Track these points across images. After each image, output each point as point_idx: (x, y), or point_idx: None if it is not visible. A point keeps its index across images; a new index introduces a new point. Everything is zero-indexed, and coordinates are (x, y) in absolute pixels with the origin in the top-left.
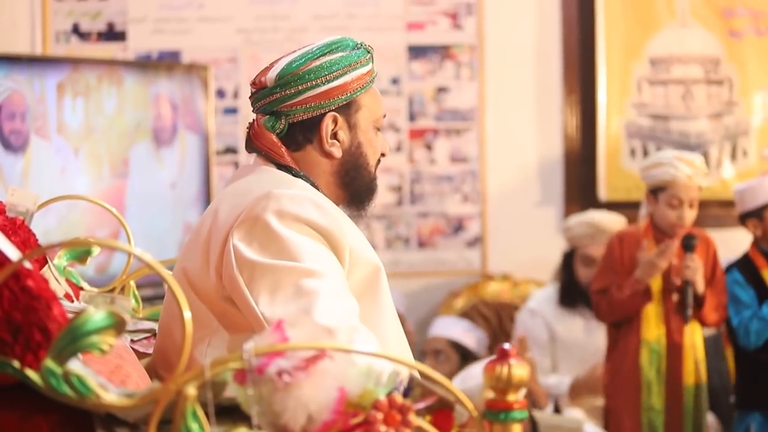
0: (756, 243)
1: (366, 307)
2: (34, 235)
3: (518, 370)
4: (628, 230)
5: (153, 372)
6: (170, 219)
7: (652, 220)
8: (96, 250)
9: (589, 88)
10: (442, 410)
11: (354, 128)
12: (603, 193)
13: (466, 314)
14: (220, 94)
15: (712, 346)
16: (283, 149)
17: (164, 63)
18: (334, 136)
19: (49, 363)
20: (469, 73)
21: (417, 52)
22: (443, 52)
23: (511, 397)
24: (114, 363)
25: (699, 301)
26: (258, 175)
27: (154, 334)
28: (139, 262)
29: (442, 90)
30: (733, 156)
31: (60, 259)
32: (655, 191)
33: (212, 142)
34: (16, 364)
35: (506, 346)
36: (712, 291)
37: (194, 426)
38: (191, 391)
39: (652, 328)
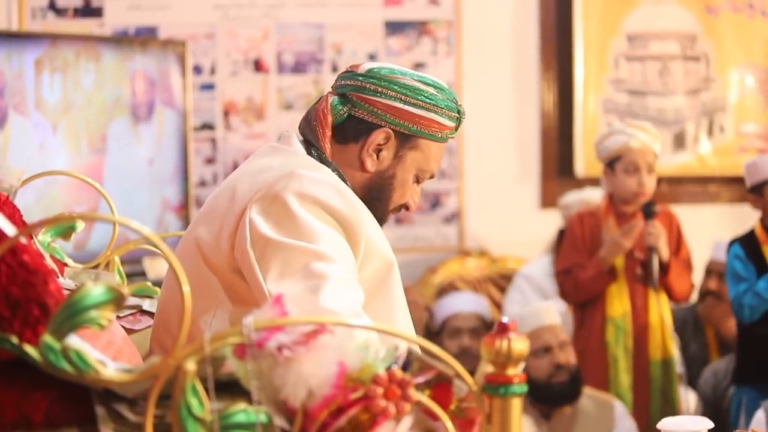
0: (762, 219)
1: (378, 301)
2: (18, 210)
3: (518, 344)
4: (589, 209)
5: (156, 342)
6: (148, 195)
7: (611, 197)
8: (80, 226)
9: (566, 64)
10: (441, 384)
11: (398, 159)
12: (580, 168)
13: (443, 290)
14: (197, 70)
15: (691, 321)
16: (329, 133)
17: (142, 39)
18: (378, 151)
19: (48, 338)
20: (446, 48)
21: (394, 27)
22: (420, 27)
23: (511, 371)
24: (105, 338)
25: (664, 269)
26: (283, 155)
27: (140, 311)
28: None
29: (419, 66)
30: (710, 132)
31: (44, 235)
32: (611, 163)
33: (189, 119)
34: (15, 339)
35: (505, 320)
36: (676, 262)
37: (194, 401)
38: (191, 366)
39: (617, 304)
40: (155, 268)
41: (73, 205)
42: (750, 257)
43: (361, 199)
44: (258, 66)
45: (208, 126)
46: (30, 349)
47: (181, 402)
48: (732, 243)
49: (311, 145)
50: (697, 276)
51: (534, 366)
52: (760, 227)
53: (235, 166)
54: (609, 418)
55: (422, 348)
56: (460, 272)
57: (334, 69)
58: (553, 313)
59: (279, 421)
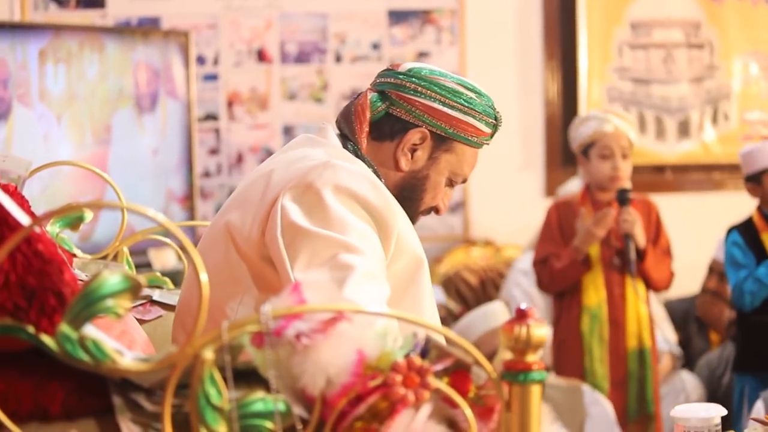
0: (760, 207)
1: (406, 299)
2: (27, 201)
3: (537, 330)
4: (565, 198)
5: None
6: (152, 185)
7: (587, 186)
8: (88, 217)
9: (570, 52)
10: (459, 372)
11: (433, 161)
12: None
13: (449, 280)
14: (200, 60)
15: (693, 313)
16: (366, 129)
17: (145, 29)
18: (413, 151)
19: (65, 328)
20: (450, 37)
21: (398, 16)
22: (424, 16)
23: (530, 358)
24: (119, 328)
25: (640, 256)
26: (319, 146)
27: (150, 301)
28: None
29: (422, 55)
30: (715, 120)
31: (52, 225)
32: (585, 150)
33: (193, 109)
34: (31, 329)
35: (523, 306)
36: (654, 251)
37: (212, 390)
38: (209, 354)
39: (592, 294)
40: (161, 259)
41: (78, 196)
42: (749, 245)
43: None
44: (261, 56)
45: (211, 116)
46: (47, 339)
47: (199, 391)
48: (730, 231)
49: (347, 139)
50: (700, 262)
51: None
52: (758, 215)
53: (239, 157)
54: (579, 405)
55: (441, 335)
56: (465, 261)
57: (338, 59)
58: (500, 313)
59: (297, 410)
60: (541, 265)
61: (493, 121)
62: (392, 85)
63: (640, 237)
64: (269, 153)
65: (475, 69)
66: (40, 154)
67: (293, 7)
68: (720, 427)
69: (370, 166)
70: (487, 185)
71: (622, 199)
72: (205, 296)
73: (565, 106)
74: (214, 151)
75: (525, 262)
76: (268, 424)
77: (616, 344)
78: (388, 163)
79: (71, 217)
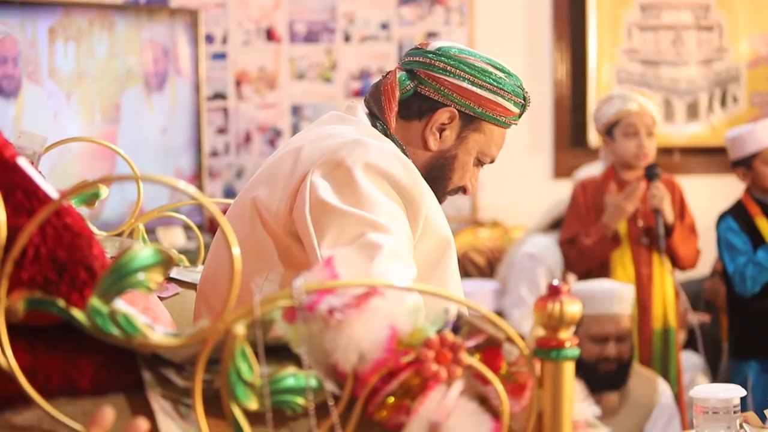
0: (749, 190)
1: (432, 280)
2: (43, 177)
3: (570, 306)
4: (591, 178)
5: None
6: (161, 164)
7: (612, 165)
8: (104, 193)
9: (580, 33)
10: (491, 348)
11: (461, 140)
12: (593, 139)
13: (457, 261)
14: (209, 39)
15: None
16: (395, 108)
17: (155, 7)
18: (441, 130)
19: (95, 302)
20: (459, 18)
21: None
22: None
23: (563, 335)
24: (142, 304)
25: (668, 231)
26: (348, 124)
27: (167, 278)
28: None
29: (431, 35)
30: (723, 102)
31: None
32: (610, 130)
33: (202, 88)
34: (62, 303)
35: (555, 282)
36: (681, 227)
37: (243, 366)
38: (240, 330)
39: (621, 273)
40: (169, 237)
41: (87, 174)
42: (743, 229)
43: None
44: (270, 35)
45: (220, 96)
46: (77, 313)
47: (230, 366)
48: (723, 216)
49: (376, 118)
50: (707, 245)
51: (585, 348)
52: (748, 198)
53: (247, 136)
54: (653, 394)
55: (473, 311)
56: (473, 243)
57: (347, 38)
58: (626, 301)
59: (329, 386)
60: (569, 244)
61: (522, 101)
62: (421, 64)
63: (669, 212)
64: (277, 133)
65: (483, 49)
66: (50, 131)
67: None
68: (739, 408)
69: (398, 145)
70: (495, 166)
71: (651, 174)
72: (237, 270)
73: (574, 87)
74: (222, 131)
75: (531, 245)
76: (300, 400)
77: (643, 323)
78: (416, 143)
79: (87, 193)
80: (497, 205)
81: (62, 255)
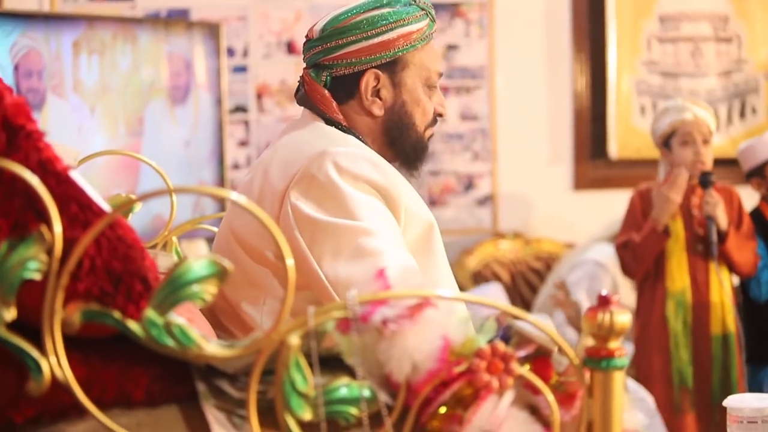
0: (764, 198)
1: (421, 263)
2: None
3: (620, 317)
4: (648, 186)
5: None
6: (184, 178)
7: (669, 174)
8: (137, 207)
9: (599, 45)
10: (540, 358)
11: (398, 86)
12: (613, 150)
13: (479, 273)
14: (230, 52)
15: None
16: (334, 104)
17: (177, 21)
18: (377, 93)
19: (151, 313)
20: (479, 30)
21: None
22: (453, 9)
23: (613, 345)
24: (186, 315)
25: (722, 238)
26: (309, 131)
27: None
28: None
29: (452, 48)
30: (742, 114)
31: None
32: (667, 141)
33: (225, 101)
34: (117, 315)
35: (604, 292)
36: (737, 235)
37: (297, 377)
38: (294, 340)
39: (677, 279)
40: (192, 249)
41: (112, 187)
42: (760, 235)
43: (389, 144)
44: (291, 48)
45: (241, 109)
46: (133, 325)
47: (284, 377)
48: None
49: (327, 121)
50: None
51: None
52: (764, 205)
53: None
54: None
55: (523, 321)
56: (495, 254)
57: None
58: None
59: (382, 396)
60: (623, 248)
61: (422, 12)
62: (318, 54)
63: (722, 219)
64: None
65: (504, 62)
66: (75, 145)
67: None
68: None
69: (357, 137)
70: (516, 178)
71: (705, 181)
72: (291, 281)
73: (594, 99)
74: (243, 143)
75: (598, 252)
76: (353, 410)
77: (700, 330)
78: (364, 119)
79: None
80: (518, 217)
81: (118, 267)
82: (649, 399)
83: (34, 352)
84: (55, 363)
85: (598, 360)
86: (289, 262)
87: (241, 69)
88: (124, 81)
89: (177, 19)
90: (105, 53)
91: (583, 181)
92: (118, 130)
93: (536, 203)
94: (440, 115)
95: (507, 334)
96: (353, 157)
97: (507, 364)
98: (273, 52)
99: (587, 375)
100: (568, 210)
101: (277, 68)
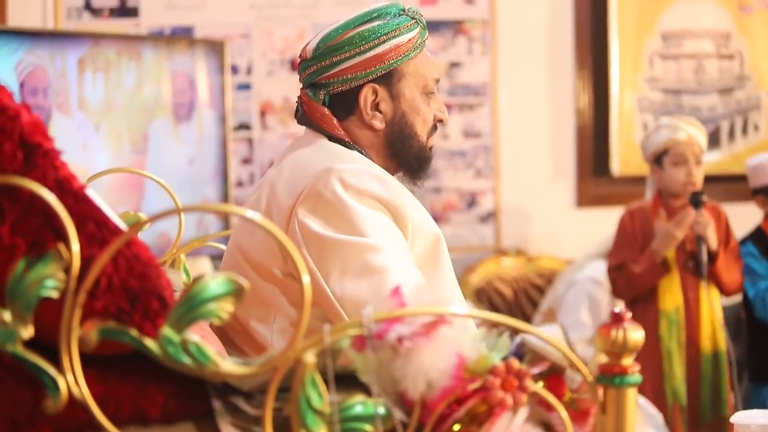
0: None
1: (428, 277)
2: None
3: (634, 333)
4: (638, 205)
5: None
6: (188, 195)
7: (659, 193)
8: (147, 225)
9: (602, 62)
10: (554, 375)
11: (397, 98)
12: (616, 167)
13: (482, 290)
14: (234, 70)
15: (733, 318)
16: (335, 121)
17: (182, 38)
18: (376, 107)
19: (167, 331)
20: (482, 48)
21: (429, 27)
22: (456, 27)
23: (626, 361)
24: (199, 333)
25: (712, 258)
26: (314, 148)
27: None
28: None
29: (454, 65)
30: (745, 130)
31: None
32: (658, 158)
33: (229, 119)
34: (134, 333)
35: (617, 309)
36: (725, 254)
37: (313, 394)
38: (310, 358)
39: (669, 298)
40: (196, 267)
41: (117, 205)
42: (763, 254)
43: (393, 156)
44: (294, 66)
45: (244, 126)
46: (150, 343)
47: (300, 395)
48: (743, 242)
49: (330, 138)
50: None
51: None
52: None
53: (272, 166)
54: None
55: (537, 338)
56: (497, 272)
57: None
58: None
59: (397, 413)
60: (616, 271)
61: (413, 22)
62: (314, 74)
63: (713, 239)
64: None
65: (506, 79)
66: (79, 162)
67: (325, 17)
68: None
69: (360, 152)
70: (518, 195)
71: (696, 202)
72: (308, 300)
73: (596, 116)
74: (246, 161)
75: (594, 270)
76: (368, 428)
77: (691, 348)
78: (366, 134)
79: (130, 224)
80: (520, 234)
81: (135, 285)
82: (658, 416)
83: (51, 370)
84: (72, 381)
85: (611, 377)
86: (305, 279)
87: (244, 87)
88: (129, 98)
89: (181, 36)
90: (110, 71)
91: (586, 198)
92: (123, 147)
93: (538, 220)
94: (441, 121)
95: (520, 351)
96: (359, 174)
97: (521, 381)
98: (276, 69)
99: (600, 392)
100: (570, 227)
101: (281, 86)
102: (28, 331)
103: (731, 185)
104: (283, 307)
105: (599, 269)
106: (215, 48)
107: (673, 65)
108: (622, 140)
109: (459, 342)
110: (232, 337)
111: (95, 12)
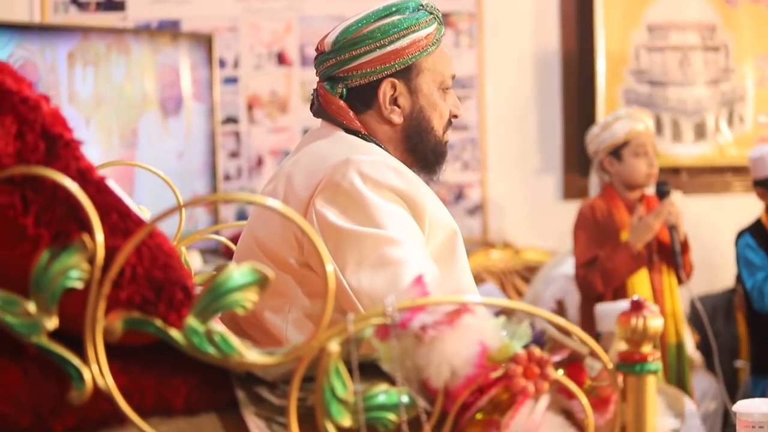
0: None
1: (444, 270)
2: None
3: (653, 321)
4: (592, 200)
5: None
6: (178, 189)
7: (611, 185)
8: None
9: (588, 55)
10: (574, 363)
11: (415, 93)
12: None
13: None
14: (221, 63)
15: (723, 309)
16: (351, 114)
17: (171, 32)
18: (394, 101)
19: (192, 321)
20: (469, 40)
21: None
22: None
23: (646, 349)
24: None
25: (682, 247)
26: (331, 140)
27: None
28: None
29: None
30: (730, 122)
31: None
32: (617, 150)
33: (217, 112)
34: (159, 323)
35: (636, 297)
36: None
37: (337, 383)
38: (334, 347)
39: (640, 291)
40: (190, 261)
41: None
42: (761, 246)
43: (410, 150)
44: (281, 59)
45: (231, 120)
46: (174, 333)
47: (324, 384)
48: (741, 233)
49: (346, 131)
50: (726, 265)
51: None
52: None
53: (259, 160)
54: (680, 413)
55: (556, 326)
56: (485, 264)
57: None
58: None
59: (421, 402)
60: (588, 267)
61: (431, 17)
62: (332, 67)
63: (682, 229)
64: None
65: (493, 71)
66: None
67: (313, 10)
68: None
69: (378, 144)
70: (505, 188)
71: (662, 192)
72: (331, 289)
73: (583, 108)
74: (234, 155)
75: (569, 266)
76: (392, 416)
77: (659, 340)
78: (384, 128)
79: None
80: (507, 227)
81: (159, 275)
82: (688, 401)
83: (76, 361)
84: (96, 371)
85: (632, 364)
86: (329, 267)
87: (231, 80)
88: (118, 92)
89: (170, 30)
90: (99, 65)
91: (573, 190)
92: (113, 141)
93: (525, 213)
94: (455, 116)
95: (540, 339)
96: (377, 165)
97: (543, 369)
98: (263, 63)
99: (621, 379)
100: (557, 219)
101: (268, 79)
102: (52, 322)
103: (717, 177)
104: (299, 298)
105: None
106: (203, 41)
107: (659, 57)
108: None
109: (482, 330)
110: (244, 327)
111: (82, 6)
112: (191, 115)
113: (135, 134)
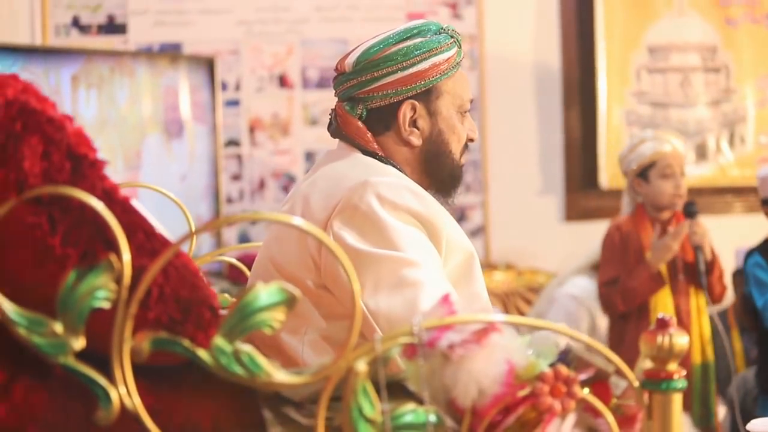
0: None
1: (461, 292)
2: None
3: (679, 339)
4: (621, 219)
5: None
6: (180, 212)
7: (642, 205)
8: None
9: (589, 77)
10: (600, 382)
11: (434, 115)
12: (604, 181)
13: None
14: (222, 86)
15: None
16: (369, 135)
17: (173, 54)
18: (414, 123)
19: (220, 341)
20: (470, 62)
21: None
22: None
23: (672, 367)
24: None
25: (708, 268)
26: (348, 161)
27: None
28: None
29: None
30: (731, 143)
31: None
32: (644, 171)
33: (219, 135)
34: (187, 343)
35: (662, 315)
36: (716, 262)
37: (365, 403)
38: (362, 367)
39: (662, 311)
40: None
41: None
42: None
43: (427, 173)
44: (283, 82)
45: (233, 142)
46: (202, 353)
47: (352, 404)
48: (750, 253)
49: (363, 152)
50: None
51: None
52: None
53: (261, 183)
54: None
55: (583, 344)
56: (488, 286)
57: None
58: None
59: (449, 421)
60: (609, 286)
61: (452, 41)
62: (353, 88)
63: (708, 250)
64: (291, 179)
65: (494, 93)
66: None
67: (314, 33)
68: None
69: (395, 166)
70: (507, 209)
71: (690, 212)
72: (358, 307)
73: (585, 129)
74: (236, 177)
75: (574, 286)
76: None
77: (683, 361)
78: (403, 150)
79: None
80: (509, 248)
81: (186, 294)
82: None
83: (103, 381)
84: (124, 392)
85: (657, 382)
86: (356, 286)
87: (233, 103)
88: (122, 115)
89: (173, 53)
90: (103, 87)
91: (574, 211)
92: (117, 164)
93: (528, 234)
94: (471, 140)
95: (565, 357)
96: (395, 188)
97: (569, 387)
98: (265, 85)
99: (646, 397)
100: (559, 240)
101: (270, 102)
102: (79, 343)
103: (719, 197)
104: (315, 320)
105: (579, 285)
106: (205, 64)
107: (660, 79)
108: (610, 154)
109: (509, 349)
110: (260, 348)
111: (83, 29)
112: (194, 137)
113: (139, 156)
